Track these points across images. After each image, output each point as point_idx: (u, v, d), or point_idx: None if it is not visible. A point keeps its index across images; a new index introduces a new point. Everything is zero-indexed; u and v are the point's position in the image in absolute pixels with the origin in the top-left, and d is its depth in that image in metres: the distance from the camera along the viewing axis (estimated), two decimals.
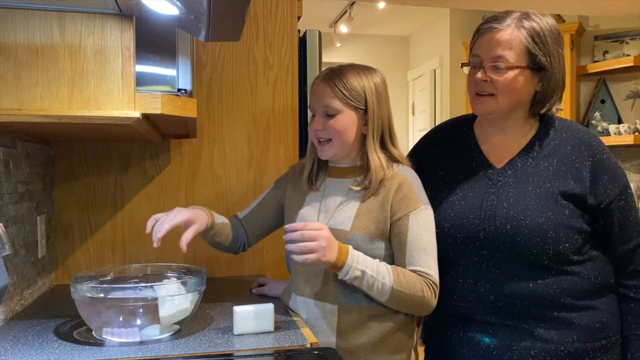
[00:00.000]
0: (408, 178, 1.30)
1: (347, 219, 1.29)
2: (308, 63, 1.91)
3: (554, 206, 1.24)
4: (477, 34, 1.32)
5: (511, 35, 1.25)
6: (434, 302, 1.25)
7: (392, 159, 1.34)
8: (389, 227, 1.27)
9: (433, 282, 1.24)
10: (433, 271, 1.25)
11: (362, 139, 1.33)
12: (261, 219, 1.50)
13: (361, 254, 1.24)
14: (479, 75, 1.28)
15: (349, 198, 1.32)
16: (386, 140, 1.34)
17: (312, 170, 1.41)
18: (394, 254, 1.29)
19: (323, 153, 1.34)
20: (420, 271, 1.24)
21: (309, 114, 1.40)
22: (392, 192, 1.27)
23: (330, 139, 1.31)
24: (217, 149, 1.85)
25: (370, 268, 1.22)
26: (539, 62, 1.26)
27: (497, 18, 1.29)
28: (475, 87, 1.31)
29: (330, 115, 1.30)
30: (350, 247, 1.23)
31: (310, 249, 1.18)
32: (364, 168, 1.33)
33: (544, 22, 1.28)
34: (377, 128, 1.32)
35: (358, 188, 1.31)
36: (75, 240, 1.76)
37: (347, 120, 1.30)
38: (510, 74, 1.25)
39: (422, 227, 1.26)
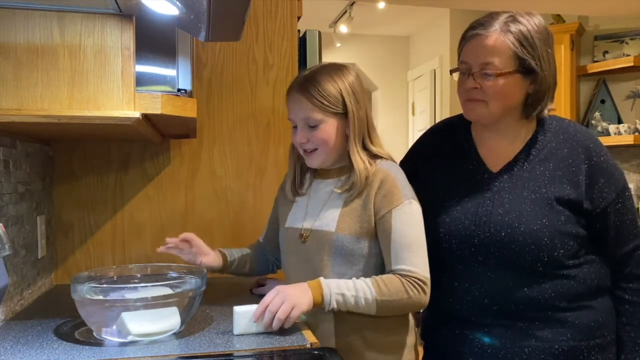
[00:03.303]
0: (391, 173, 1.28)
1: (332, 220, 1.28)
2: (308, 63, 1.91)
3: (549, 212, 1.23)
4: (463, 40, 1.29)
5: (498, 41, 1.21)
6: (424, 298, 1.23)
7: (375, 155, 1.32)
8: (373, 225, 1.26)
9: (418, 279, 1.22)
10: (419, 268, 1.23)
11: (346, 139, 1.31)
12: (276, 237, 1.49)
13: (333, 280, 1.22)
14: (469, 82, 1.26)
15: (333, 199, 1.32)
16: (366, 138, 1.32)
17: (295, 178, 1.40)
18: (382, 253, 1.28)
19: (311, 162, 1.34)
20: (404, 270, 1.22)
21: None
22: (374, 189, 1.26)
23: (317, 149, 1.31)
24: (217, 149, 1.85)
25: (346, 288, 1.21)
26: (528, 66, 1.22)
27: (483, 23, 1.25)
28: (465, 94, 1.29)
29: (312, 126, 1.29)
30: (321, 278, 1.23)
31: (285, 310, 1.15)
32: (348, 168, 1.32)
33: (532, 23, 1.23)
34: (359, 128, 1.30)
35: (341, 190, 1.30)
36: (75, 240, 1.76)
37: (329, 128, 1.29)
38: (500, 80, 1.22)
39: (405, 223, 1.24)
